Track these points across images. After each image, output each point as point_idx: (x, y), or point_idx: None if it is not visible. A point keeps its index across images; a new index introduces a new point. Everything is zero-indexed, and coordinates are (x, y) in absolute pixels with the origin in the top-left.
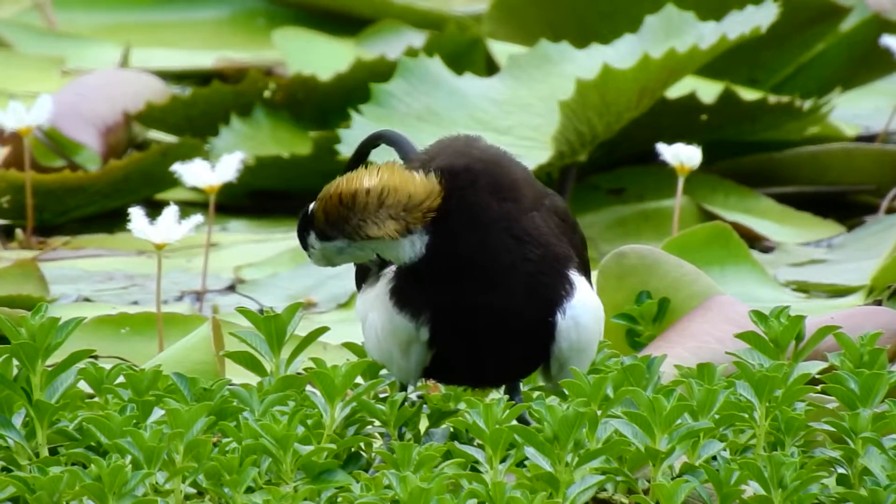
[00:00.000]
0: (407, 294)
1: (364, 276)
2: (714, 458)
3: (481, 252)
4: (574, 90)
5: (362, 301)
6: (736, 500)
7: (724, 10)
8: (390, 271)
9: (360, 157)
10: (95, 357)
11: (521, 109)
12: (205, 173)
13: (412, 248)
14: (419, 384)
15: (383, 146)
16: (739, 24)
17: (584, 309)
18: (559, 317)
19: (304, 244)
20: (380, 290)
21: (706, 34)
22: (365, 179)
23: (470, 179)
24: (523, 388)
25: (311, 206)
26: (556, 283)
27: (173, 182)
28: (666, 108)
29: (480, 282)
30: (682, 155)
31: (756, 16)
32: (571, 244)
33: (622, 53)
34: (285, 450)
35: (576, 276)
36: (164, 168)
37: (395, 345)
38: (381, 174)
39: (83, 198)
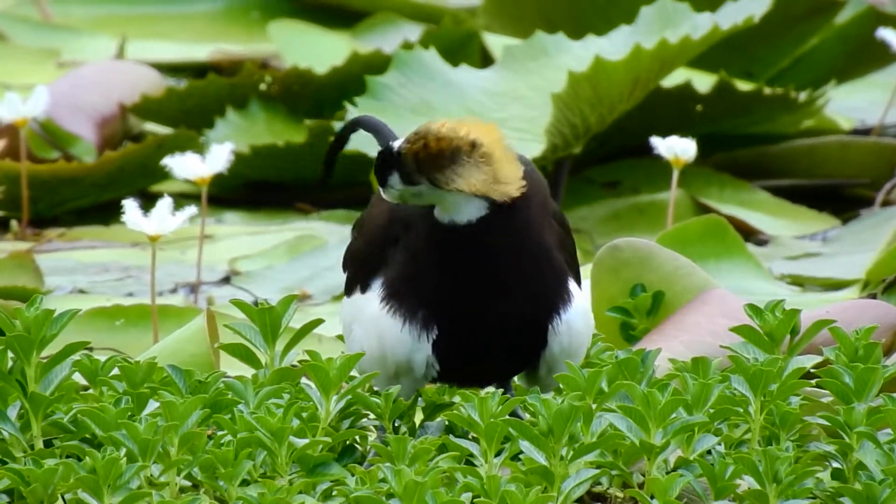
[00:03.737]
0: (404, 313)
1: (356, 280)
2: (709, 452)
3: (510, 256)
4: (566, 83)
5: (350, 307)
6: (730, 495)
7: (721, 0)
8: (379, 284)
9: (340, 144)
10: (90, 349)
11: (515, 101)
12: (195, 165)
13: (477, 209)
14: None
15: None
16: (733, 15)
17: (578, 315)
18: (555, 322)
19: (383, 183)
20: (372, 308)
21: (700, 24)
22: (471, 133)
23: (534, 190)
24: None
25: (397, 145)
26: (555, 294)
27: (169, 174)
28: (661, 100)
29: (493, 285)
30: (677, 148)
31: (749, 6)
32: (567, 250)
33: (617, 45)
34: (280, 443)
35: (572, 285)
36: (159, 160)
37: (383, 373)
38: (488, 135)
39: (78, 189)
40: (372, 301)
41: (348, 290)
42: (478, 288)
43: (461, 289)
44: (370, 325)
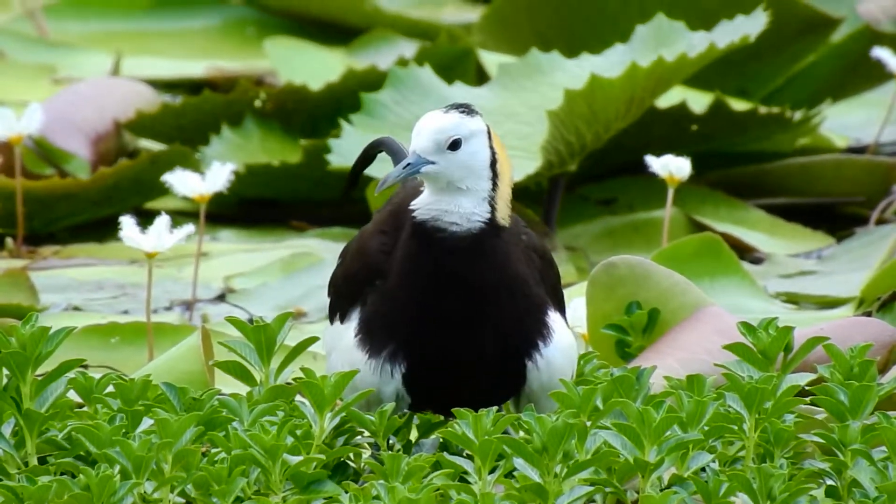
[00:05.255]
0: (378, 353)
1: (338, 309)
2: (703, 469)
3: (487, 289)
4: (562, 100)
5: (330, 334)
6: None
7: (715, 19)
8: (356, 317)
9: (365, 162)
10: (85, 366)
11: (510, 119)
12: (195, 183)
13: (479, 214)
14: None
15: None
16: (728, 33)
17: (557, 351)
18: (535, 360)
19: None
20: (348, 340)
21: (696, 43)
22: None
23: (514, 222)
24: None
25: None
26: (534, 332)
27: (163, 191)
28: (656, 119)
29: (467, 321)
30: (672, 166)
31: (745, 25)
32: (549, 283)
33: (612, 62)
34: (274, 460)
35: (552, 319)
36: (153, 176)
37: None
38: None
39: (73, 206)
40: (349, 332)
41: (330, 317)
42: (452, 324)
43: (435, 325)
44: (345, 355)
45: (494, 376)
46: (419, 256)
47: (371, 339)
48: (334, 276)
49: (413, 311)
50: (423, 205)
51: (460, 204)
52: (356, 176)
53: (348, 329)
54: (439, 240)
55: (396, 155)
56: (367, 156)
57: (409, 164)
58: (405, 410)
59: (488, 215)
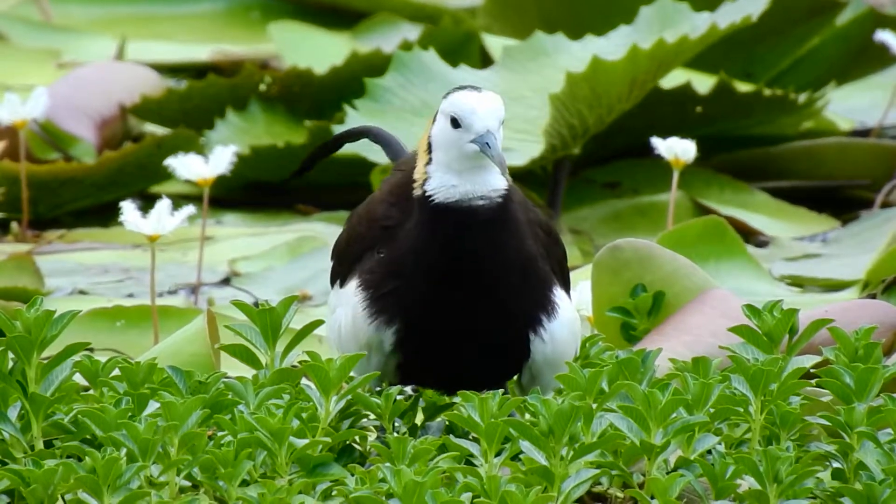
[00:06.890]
0: (377, 299)
1: (340, 272)
2: (709, 452)
3: (490, 261)
4: (564, 83)
5: (335, 295)
6: (731, 495)
7: (720, 0)
8: (363, 269)
9: (337, 145)
10: (91, 350)
11: (515, 102)
12: (198, 166)
13: (502, 182)
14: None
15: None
16: (731, 14)
17: (562, 325)
18: (539, 334)
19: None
20: (350, 288)
21: (699, 24)
22: None
23: (516, 197)
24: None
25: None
26: (538, 306)
27: (168, 175)
28: (661, 101)
29: (470, 294)
30: (677, 149)
31: (747, 5)
32: (555, 259)
33: (616, 45)
34: (280, 443)
35: (557, 295)
36: (158, 160)
37: (356, 348)
38: None
39: (78, 190)
40: (349, 294)
41: (332, 281)
42: (459, 297)
43: (443, 300)
44: (348, 308)
45: (494, 350)
46: (439, 233)
47: (374, 304)
48: (339, 238)
49: (423, 285)
50: (446, 186)
51: (486, 181)
52: (313, 161)
53: (349, 292)
54: (466, 216)
55: (388, 145)
56: (338, 142)
57: (492, 141)
58: (405, 388)
59: (506, 188)
